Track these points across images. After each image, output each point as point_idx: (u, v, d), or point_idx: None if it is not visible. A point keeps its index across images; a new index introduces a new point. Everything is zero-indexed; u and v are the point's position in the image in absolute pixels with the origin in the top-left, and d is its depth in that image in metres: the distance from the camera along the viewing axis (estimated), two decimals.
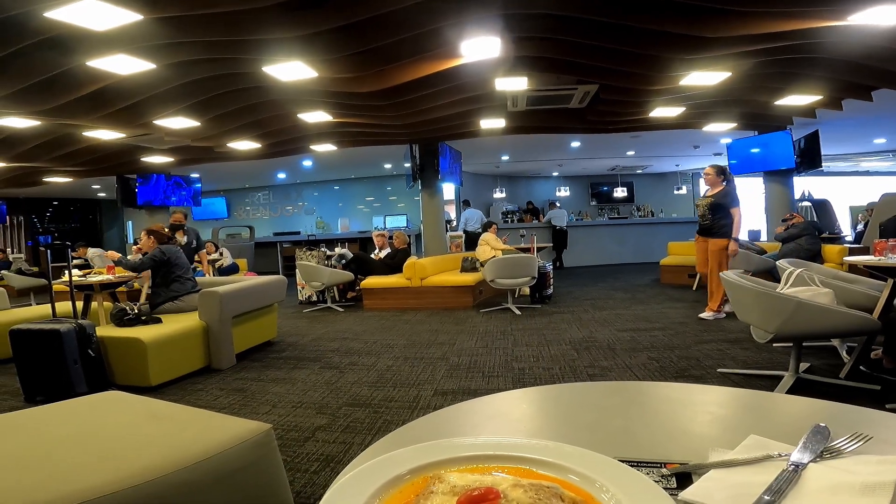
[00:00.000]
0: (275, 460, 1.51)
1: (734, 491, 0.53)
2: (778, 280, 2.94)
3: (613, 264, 11.24)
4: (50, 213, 14.58)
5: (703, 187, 5.16)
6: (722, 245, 4.61)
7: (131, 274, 4.83)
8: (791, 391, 2.59)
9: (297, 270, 7.07)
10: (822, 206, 8.62)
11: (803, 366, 2.91)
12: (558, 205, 11.71)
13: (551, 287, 6.67)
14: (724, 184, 4.67)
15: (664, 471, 0.60)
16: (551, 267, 7.10)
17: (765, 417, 0.80)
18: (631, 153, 11.68)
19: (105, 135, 6.53)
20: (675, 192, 14.20)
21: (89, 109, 5.31)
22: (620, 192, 14.18)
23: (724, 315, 4.79)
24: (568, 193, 14.19)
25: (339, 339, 4.81)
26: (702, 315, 4.89)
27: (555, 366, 3.61)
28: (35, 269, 9.24)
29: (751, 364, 3.30)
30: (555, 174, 14.60)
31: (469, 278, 6.53)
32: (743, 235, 7.92)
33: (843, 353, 3.25)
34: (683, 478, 0.59)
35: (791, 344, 2.82)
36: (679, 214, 13.42)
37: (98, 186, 12.60)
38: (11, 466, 1.14)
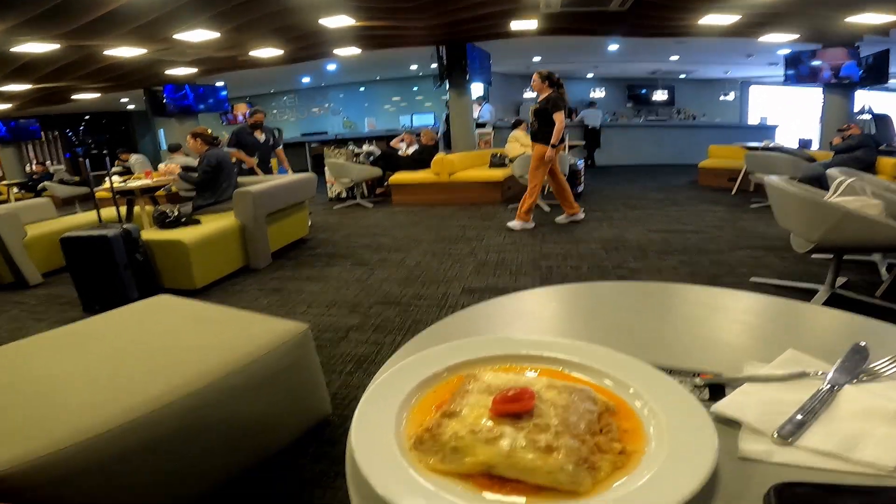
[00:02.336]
0: (313, 360, 1.60)
1: (767, 408, 0.53)
2: (825, 190, 2.76)
3: (649, 164, 10.74)
4: (83, 127, 14.88)
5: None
6: (542, 151, 4.46)
7: (169, 178, 4.99)
8: (824, 306, 2.51)
9: (325, 168, 7.10)
10: (882, 120, 8.02)
11: (840, 280, 2.82)
12: (595, 104, 11.18)
13: (582, 184, 6.53)
14: (551, 89, 4.40)
15: (697, 381, 0.60)
16: (583, 165, 6.88)
17: (802, 330, 0.77)
18: (674, 58, 10.72)
19: (126, 52, 6.42)
20: (722, 97, 13.41)
21: (108, 29, 5.13)
22: (660, 96, 13.50)
23: (533, 225, 4.78)
24: (603, 95, 13.57)
25: (369, 235, 4.90)
26: (509, 224, 4.83)
27: (583, 265, 3.60)
28: (76, 178, 9.43)
29: (785, 275, 3.22)
30: (589, 76, 13.76)
31: (498, 174, 6.48)
32: (793, 143, 7.53)
33: (883, 271, 3.14)
34: (716, 389, 0.59)
35: (831, 256, 2.72)
36: (723, 119, 12.71)
37: (126, 99, 12.63)
38: (82, 382, 1.21)
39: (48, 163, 11.71)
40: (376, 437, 0.47)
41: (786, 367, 0.61)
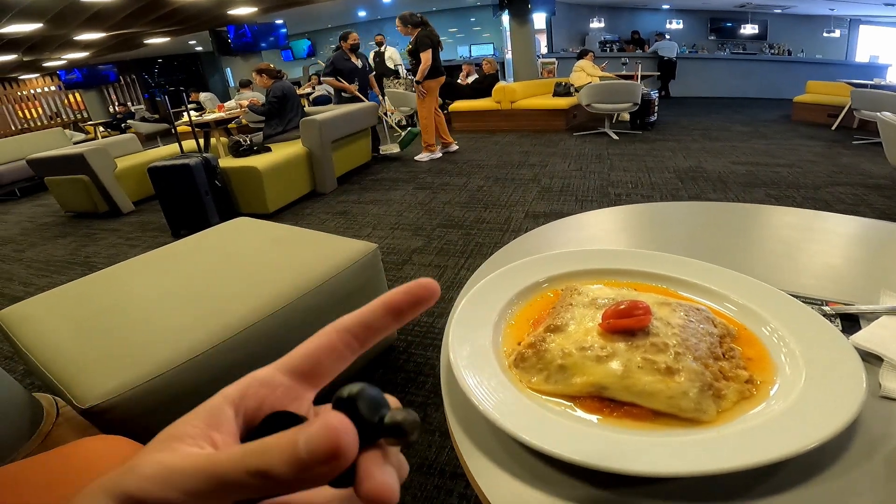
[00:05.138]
0: (381, 280, 1.61)
1: None
2: None
3: (732, 97, 9.83)
4: (157, 70, 15.68)
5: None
6: (419, 89, 4.66)
7: (240, 111, 5.21)
8: None
9: (385, 98, 7.05)
10: None
11: None
12: (668, 37, 10.42)
13: (655, 114, 6.07)
14: (418, 29, 4.52)
15: (827, 309, 0.53)
16: (657, 95, 6.39)
17: None
18: None
19: None
20: (826, 34, 11.74)
21: None
22: (750, 29, 11.96)
23: (441, 155, 4.82)
24: (681, 26, 12.27)
25: (430, 161, 4.88)
26: (416, 157, 4.83)
27: (655, 194, 3.38)
28: (156, 116, 9.98)
29: (891, 215, 2.85)
30: (665, 7, 12.35)
31: (562, 102, 6.20)
32: None
33: None
34: (849, 320, 0.52)
35: None
36: (826, 56, 11.21)
37: (194, 42, 13.02)
38: (173, 304, 1.26)
39: (129, 104, 12.43)
40: (475, 353, 0.44)
41: None
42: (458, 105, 6.73)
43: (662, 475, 0.33)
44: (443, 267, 2.47)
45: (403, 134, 5.11)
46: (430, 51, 4.44)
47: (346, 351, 0.22)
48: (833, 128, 5.93)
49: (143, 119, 9.64)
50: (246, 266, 1.47)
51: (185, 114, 4.41)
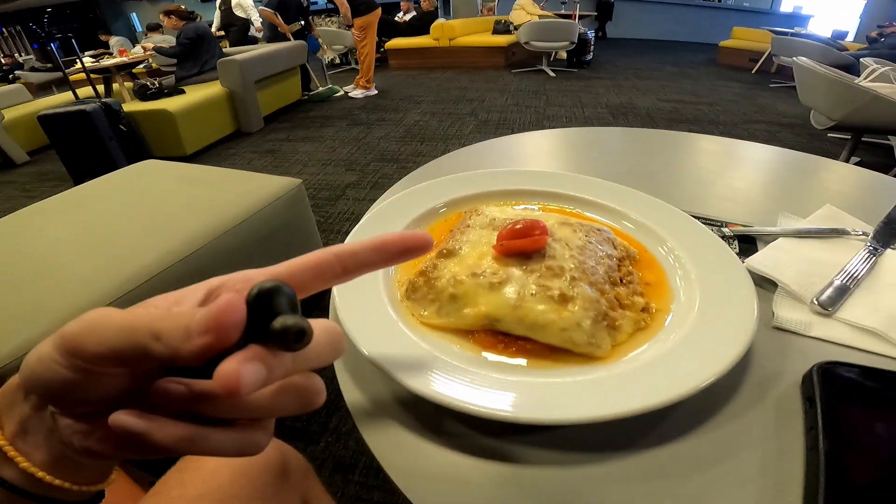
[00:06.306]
0: (308, 218, 1.54)
1: (804, 268, 0.46)
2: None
3: (665, 40, 10.06)
4: (47, 19, 13.60)
5: None
6: (358, 23, 4.54)
7: (146, 55, 4.88)
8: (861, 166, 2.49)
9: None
10: None
11: (854, 160, 2.75)
12: None
13: (591, 54, 6.18)
14: None
15: (726, 231, 0.53)
16: (593, 35, 6.43)
17: (837, 188, 0.69)
18: None
19: None
20: None
21: None
22: None
23: (377, 92, 4.82)
24: None
25: (365, 97, 4.69)
26: (351, 94, 4.79)
27: (588, 127, 3.52)
28: (49, 65, 8.86)
29: (799, 150, 3.09)
30: None
31: (501, 39, 6.15)
32: (827, 33, 7.09)
33: None
34: (747, 242, 0.52)
35: (849, 136, 2.65)
36: (752, 4, 11.55)
37: None
38: (75, 252, 1.14)
39: (17, 55, 11.06)
40: (361, 286, 0.39)
41: (823, 223, 0.55)
42: (396, 42, 6.53)
43: (541, 422, 0.30)
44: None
45: (322, 90, 4.84)
46: None
47: (329, 272, 0.23)
48: (753, 71, 6.27)
49: (34, 69, 8.66)
50: (156, 209, 1.35)
51: (77, 61, 4.04)
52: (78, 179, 3.08)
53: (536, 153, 0.82)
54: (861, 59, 3.16)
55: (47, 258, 1.12)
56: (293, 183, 1.46)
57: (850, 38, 7.83)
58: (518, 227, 0.38)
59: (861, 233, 0.52)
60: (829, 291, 0.43)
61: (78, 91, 3.87)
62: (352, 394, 0.36)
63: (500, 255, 0.39)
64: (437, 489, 0.30)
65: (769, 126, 3.60)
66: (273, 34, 4.81)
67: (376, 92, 4.85)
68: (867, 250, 0.49)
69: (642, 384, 0.32)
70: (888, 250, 0.49)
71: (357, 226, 0.47)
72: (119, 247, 1.15)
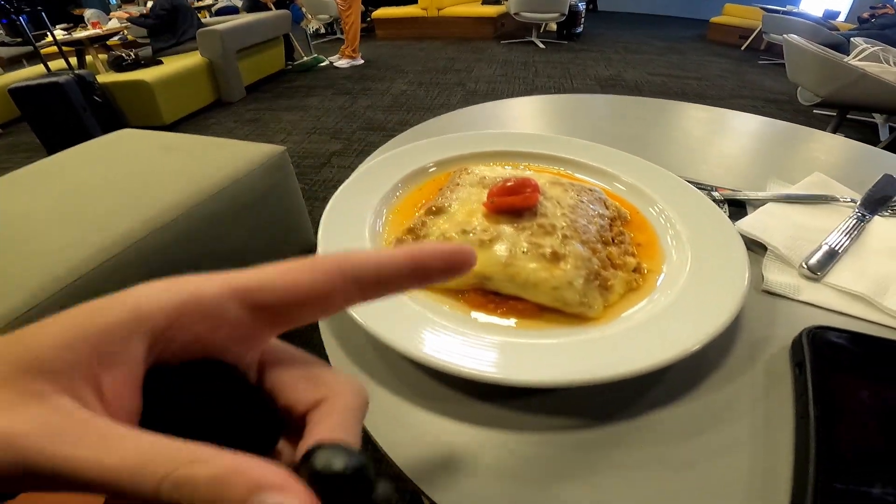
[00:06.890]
0: (293, 185, 1.51)
1: (793, 232, 0.47)
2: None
3: (656, 14, 9.93)
4: None
5: None
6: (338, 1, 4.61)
7: (120, 26, 4.77)
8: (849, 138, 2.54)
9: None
10: None
11: (839, 136, 2.79)
12: None
13: (581, 26, 6.13)
14: None
15: (715, 195, 0.53)
16: (584, 7, 6.33)
17: (826, 157, 0.70)
18: None
19: None
20: None
21: None
22: None
23: (363, 61, 4.78)
24: None
25: (351, 67, 4.60)
26: (336, 63, 4.73)
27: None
28: (18, 39, 8.36)
29: None
30: None
31: (490, 10, 6.06)
32: (818, 12, 6.99)
33: (885, 132, 3.08)
34: (736, 206, 0.52)
35: (835, 113, 2.68)
36: None
37: None
38: (48, 222, 1.10)
39: None
40: (348, 244, 0.38)
41: (812, 189, 0.55)
42: (382, 12, 6.39)
43: (533, 385, 0.29)
44: None
45: (306, 60, 4.73)
46: None
47: (341, 301, 0.15)
48: (742, 48, 6.25)
49: (3, 44, 8.24)
50: (134, 177, 1.31)
51: (49, 35, 3.95)
52: (52, 150, 3.01)
53: (524, 118, 0.81)
54: (851, 39, 3.18)
55: (21, 229, 1.09)
56: (276, 150, 1.43)
57: (841, 17, 7.83)
58: (509, 184, 0.37)
59: (849, 200, 0.52)
60: (817, 255, 0.44)
61: (50, 64, 3.79)
62: (338, 358, 0.35)
63: (491, 213, 0.38)
64: (424, 455, 0.29)
65: (756, 102, 3.62)
66: (252, 4, 4.65)
67: (362, 61, 4.76)
68: (855, 217, 0.49)
69: (636, 346, 0.31)
70: (875, 217, 0.50)
71: (343, 185, 0.45)
72: (95, 216, 1.12)
